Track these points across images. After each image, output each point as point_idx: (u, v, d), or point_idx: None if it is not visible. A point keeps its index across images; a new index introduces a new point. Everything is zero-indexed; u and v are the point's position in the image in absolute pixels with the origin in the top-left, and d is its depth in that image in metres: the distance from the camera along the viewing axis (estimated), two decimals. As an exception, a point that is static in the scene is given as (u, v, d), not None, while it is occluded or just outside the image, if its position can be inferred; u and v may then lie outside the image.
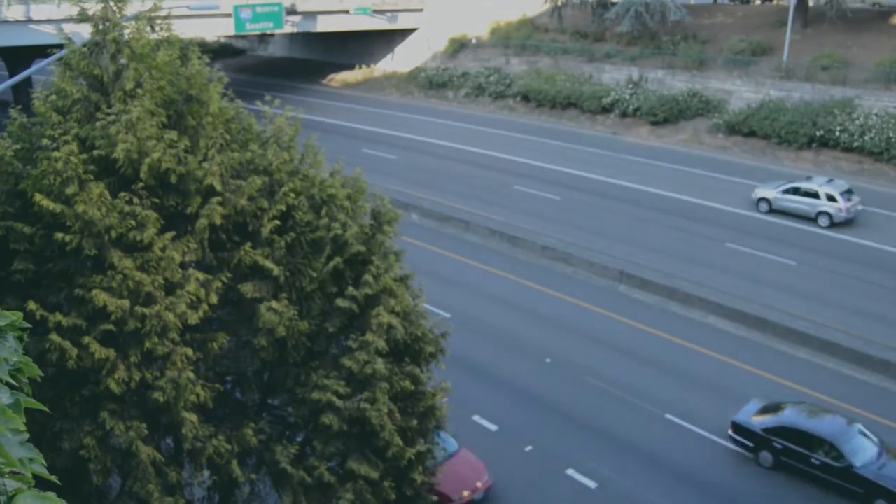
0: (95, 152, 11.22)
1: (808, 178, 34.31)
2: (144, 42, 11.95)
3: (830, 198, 32.03)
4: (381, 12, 58.62)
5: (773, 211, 33.68)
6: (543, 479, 18.74)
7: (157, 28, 12.33)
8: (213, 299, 11.61)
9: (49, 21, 42.35)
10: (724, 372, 22.86)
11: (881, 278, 27.64)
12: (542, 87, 51.11)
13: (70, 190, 10.73)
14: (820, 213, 32.21)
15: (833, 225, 31.93)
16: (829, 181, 33.36)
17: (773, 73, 44.56)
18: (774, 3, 57.42)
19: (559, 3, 54.61)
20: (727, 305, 25.79)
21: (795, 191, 33.15)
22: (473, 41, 59.85)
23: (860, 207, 32.64)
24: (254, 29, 51.95)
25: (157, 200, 11.50)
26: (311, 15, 55.41)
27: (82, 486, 11.99)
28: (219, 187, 11.69)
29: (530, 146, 44.79)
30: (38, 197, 10.74)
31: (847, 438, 18.06)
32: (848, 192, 32.44)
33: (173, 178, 11.44)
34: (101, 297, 10.65)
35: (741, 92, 44.96)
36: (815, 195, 32.44)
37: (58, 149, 10.90)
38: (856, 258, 29.35)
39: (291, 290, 12.36)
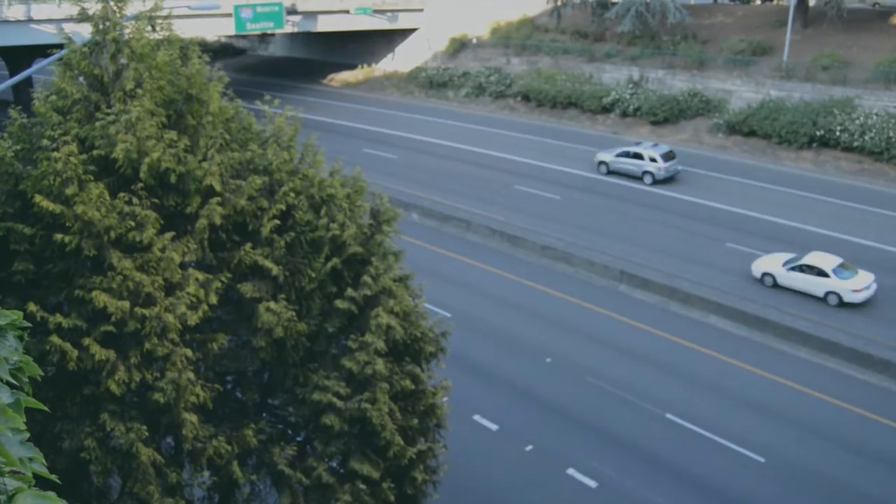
0: (95, 152, 11.20)
1: (638, 144, 39.95)
2: (144, 42, 11.94)
3: (652, 159, 37.54)
4: (382, 12, 58.61)
5: (610, 172, 39.18)
6: (544, 478, 18.74)
7: (158, 28, 12.31)
8: (213, 299, 11.59)
9: (49, 21, 42.35)
10: (724, 372, 22.86)
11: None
12: (542, 86, 51.11)
13: (69, 190, 10.71)
14: (644, 172, 37.78)
15: (655, 182, 37.58)
16: (654, 146, 38.95)
17: (774, 73, 44.55)
18: (774, 3, 57.42)
19: (559, 3, 54.60)
20: (727, 305, 25.80)
21: (626, 154, 38.57)
22: (474, 41, 59.84)
23: (679, 168, 38.27)
24: (254, 29, 51.95)
25: (156, 200, 11.48)
26: (311, 15, 55.41)
27: (82, 487, 11.99)
28: (218, 187, 11.67)
29: (531, 146, 44.79)
30: (37, 197, 10.72)
31: None
32: (668, 155, 37.87)
33: (173, 178, 11.42)
34: (100, 297, 10.64)
35: (741, 92, 44.95)
36: (641, 157, 37.92)
37: (57, 149, 10.89)
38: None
39: (291, 289, 12.35)
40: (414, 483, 13.06)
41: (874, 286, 25.90)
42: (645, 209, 34.88)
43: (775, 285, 27.01)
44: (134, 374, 10.91)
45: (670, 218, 33.87)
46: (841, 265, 26.20)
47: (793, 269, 26.62)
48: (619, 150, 39.23)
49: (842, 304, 25.61)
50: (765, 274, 27.25)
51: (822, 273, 25.95)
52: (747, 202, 35.09)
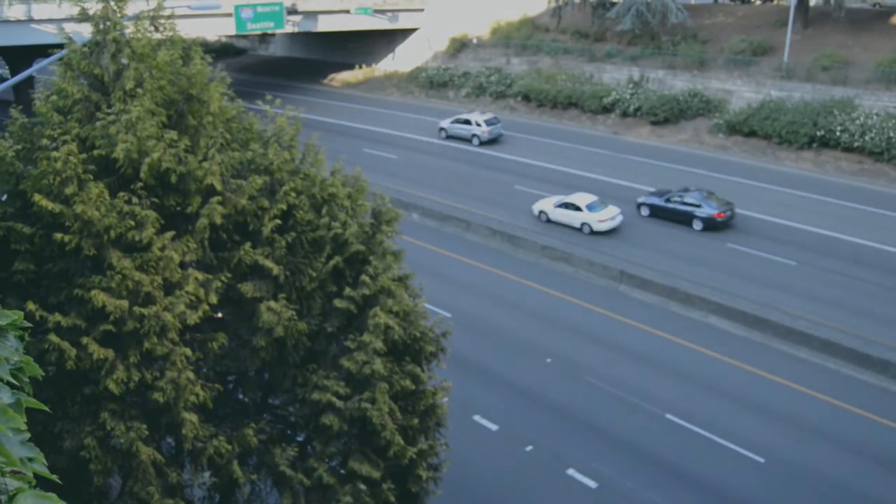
0: (95, 152, 11.22)
1: (470, 112, 48.34)
2: (145, 42, 11.94)
3: (478, 124, 45.61)
4: (382, 12, 58.60)
5: (448, 137, 46.90)
6: (544, 478, 18.75)
7: (161, 28, 12.31)
8: (213, 299, 11.59)
9: (50, 20, 42.35)
10: (724, 372, 22.86)
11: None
12: (542, 86, 51.10)
13: (69, 190, 10.72)
14: (472, 135, 45.76)
15: (481, 144, 45.50)
16: (482, 113, 47.13)
17: (774, 73, 44.54)
18: (775, 3, 57.40)
19: (560, 3, 54.58)
20: (728, 305, 25.80)
21: (459, 121, 46.71)
22: (474, 41, 59.83)
23: (501, 132, 46.14)
24: (254, 28, 51.94)
25: (156, 200, 11.48)
26: (311, 14, 55.41)
27: (83, 487, 11.98)
28: (219, 187, 11.68)
29: (531, 146, 44.79)
30: (37, 197, 10.73)
31: None
32: (491, 121, 45.92)
33: (173, 178, 11.43)
34: (99, 297, 10.64)
35: (742, 92, 44.95)
36: (469, 122, 46.00)
37: (57, 149, 10.90)
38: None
39: (291, 289, 12.35)
40: (419, 481, 13.07)
41: (619, 218, 32.54)
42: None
43: (548, 220, 33.70)
44: (133, 374, 10.92)
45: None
46: (594, 202, 32.91)
47: (559, 206, 33.42)
48: (454, 118, 47.26)
49: (593, 233, 32.21)
50: (540, 211, 34.07)
51: (577, 208, 32.71)
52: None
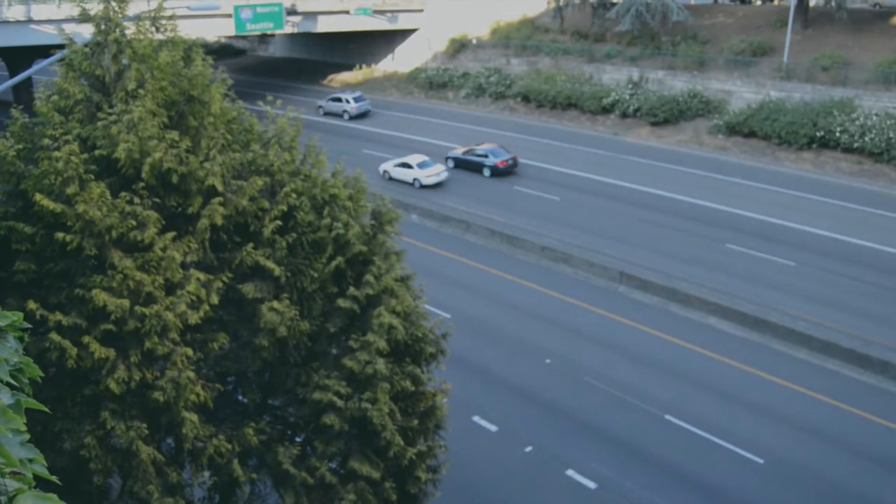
0: (97, 152, 11.23)
1: (343, 91, 56.42)
2: (146, 42, 11.96)
3: (347, 101, 53.41)
4: (382, 12, 58.59)
5: (326, 114, 53.95)
6: (543, 479, 18.76)
7: (162, 29, 12.33)
8: (214, 299, 11.61)
9: (49, 21, 42.35)
10: (723, 373, 22.87)
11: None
12: (542, 87, 51.08)
13: (70, 190, 10.74)
14: (344, 111, 53.34)
15: (351, 118, 53.09)
16: (351, 92, 55.27)
17: (774, 74, 44.54)
18: (775, 3, 57.41)
19: (560, 4, 54.59)
20: (727, 306, 25.81)
21: (333, 99, 54.30)
22: (474, 41, 59.82)
23: (369, 108, 53.91)
24: (254, 29, 51.93)
25: (157, 200, 11.50)
26: (311, 15, 55.41)
27: (83, 487, 11.99)
28: (220, 187, 11.70)
29: (530, 146, 44.76)
30: (38, 197, 10.74)
31: None
32: (359, 98, 53.95)
33: (174, 179, 11.44)
34: (100, 296, 10.65)
35: (741, 92, 44.95)
36: (341, 100, 53.73)
37: (58, 149, 10.92)
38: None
39: (292, 290, 12.37)
40: (418, 482, 13.09)
41: (445, 174, 39.44)
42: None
43: (390, 179, 39.95)
44: (134, 373, 10.93)
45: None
46: (423, 161, 39.64)
47: (397, 166, 39.94)
48: (329, 97, 54.97)
49: (422, 186, 38.71)
50: (384, 171, 40.48)
51: (410, 167, 39.40)
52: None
